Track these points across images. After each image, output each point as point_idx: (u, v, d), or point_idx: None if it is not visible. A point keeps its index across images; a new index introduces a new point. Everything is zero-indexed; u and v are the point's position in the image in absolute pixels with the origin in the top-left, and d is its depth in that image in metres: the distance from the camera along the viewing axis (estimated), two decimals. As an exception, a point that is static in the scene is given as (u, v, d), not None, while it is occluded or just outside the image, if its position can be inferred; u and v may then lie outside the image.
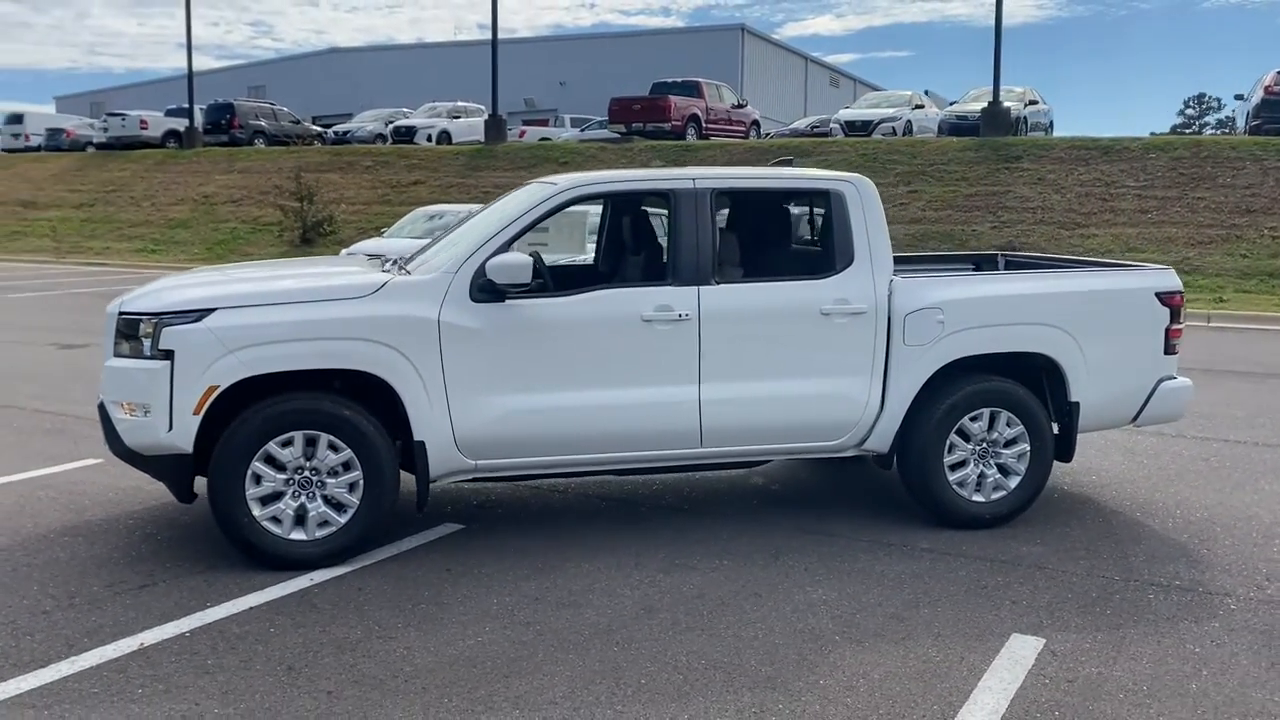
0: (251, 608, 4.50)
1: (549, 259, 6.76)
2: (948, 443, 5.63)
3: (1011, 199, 21.32)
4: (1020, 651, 4.17)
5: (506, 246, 5.14)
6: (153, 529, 5.54)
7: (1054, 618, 4.50)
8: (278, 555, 4.90)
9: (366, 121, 34.86)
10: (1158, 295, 5.88)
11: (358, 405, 4.93)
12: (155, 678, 3.83)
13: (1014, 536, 5.57)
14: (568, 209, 5.47)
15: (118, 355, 4.93)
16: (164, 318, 4.80)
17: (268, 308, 4.87)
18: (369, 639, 4.19)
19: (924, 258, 7.42)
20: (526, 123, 44.81)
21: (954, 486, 5.66)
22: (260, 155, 32.99)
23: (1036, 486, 5.77)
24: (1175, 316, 5.91)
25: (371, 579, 4.84)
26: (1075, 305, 5.73)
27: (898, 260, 8.29)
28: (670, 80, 30.14)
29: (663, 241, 5.83)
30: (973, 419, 5.65)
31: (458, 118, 33.12)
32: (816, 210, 5.77)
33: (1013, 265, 7.25)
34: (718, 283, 5.35)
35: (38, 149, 40.88)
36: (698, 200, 5.40)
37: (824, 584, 4.87)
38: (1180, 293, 5.95)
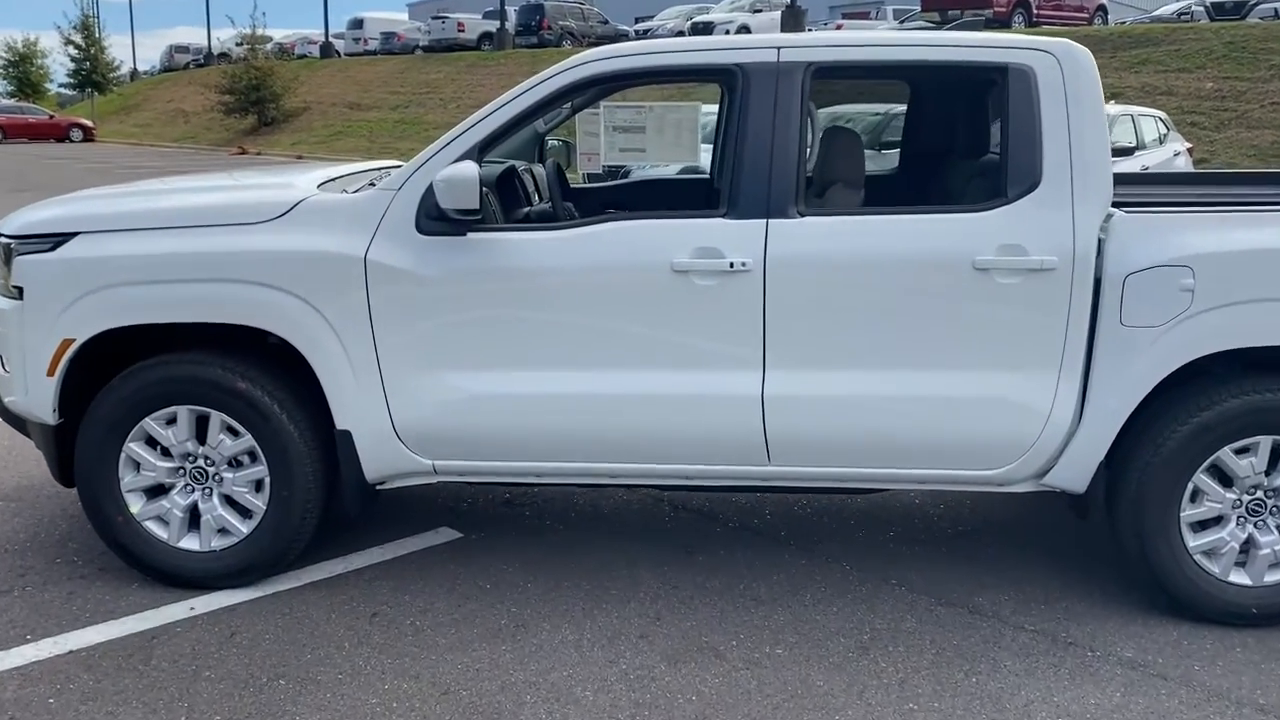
0: (70, 651, 3.26)
1: (644, 173, 5.07)
2: (1190, 486, 3.42)
3: None
4: None
5: (474, 152, 3.47)
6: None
7: None
8: (162, 568, 3.64)
9: (669, 19, 33.49)
10: None
11: (258, 374, 3.51)
12: None
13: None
14: (578, 95, 3.72)
15: (-4, 288, 3.79)
16: (17, 243, 3.58)
17: (141, 233, 3.50)
18: (151, 740, 2.83)
19: (1207, 176, 4.93)
20: (846, 15, 41.71)
21: (1195, 556, 3.47)
22: (560, 55, 32.39)
23: (1350, 570, 3.43)
24: None
25: (261, 620, 3.47)
26: None
27: (1156, 181, 5.61)
28: (998, -38, 26.33)
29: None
30: (1239, 451, 3.40)
31: (759, 11, 31.02)
32: (984, 101, 3.65)
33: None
34: (801, 215, 3.41)
35: (374, 53, 43.02)
36: (780, 82, 3.44)
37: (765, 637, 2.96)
38: None
